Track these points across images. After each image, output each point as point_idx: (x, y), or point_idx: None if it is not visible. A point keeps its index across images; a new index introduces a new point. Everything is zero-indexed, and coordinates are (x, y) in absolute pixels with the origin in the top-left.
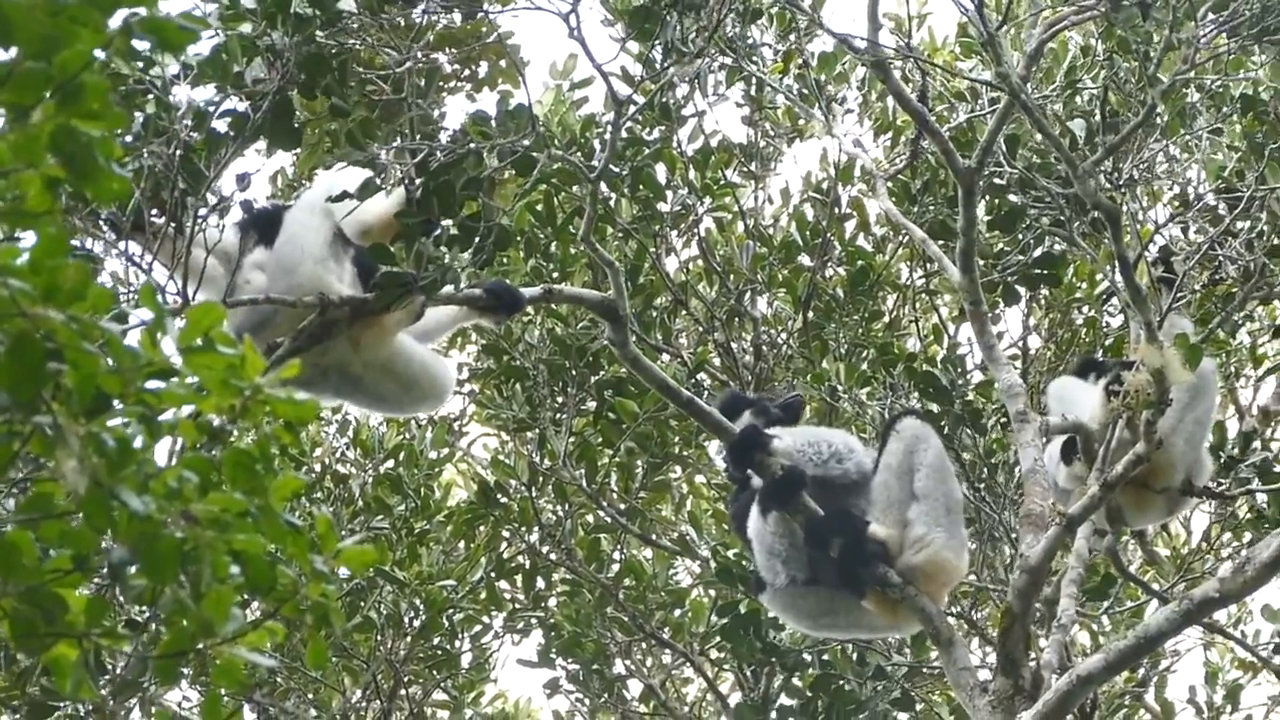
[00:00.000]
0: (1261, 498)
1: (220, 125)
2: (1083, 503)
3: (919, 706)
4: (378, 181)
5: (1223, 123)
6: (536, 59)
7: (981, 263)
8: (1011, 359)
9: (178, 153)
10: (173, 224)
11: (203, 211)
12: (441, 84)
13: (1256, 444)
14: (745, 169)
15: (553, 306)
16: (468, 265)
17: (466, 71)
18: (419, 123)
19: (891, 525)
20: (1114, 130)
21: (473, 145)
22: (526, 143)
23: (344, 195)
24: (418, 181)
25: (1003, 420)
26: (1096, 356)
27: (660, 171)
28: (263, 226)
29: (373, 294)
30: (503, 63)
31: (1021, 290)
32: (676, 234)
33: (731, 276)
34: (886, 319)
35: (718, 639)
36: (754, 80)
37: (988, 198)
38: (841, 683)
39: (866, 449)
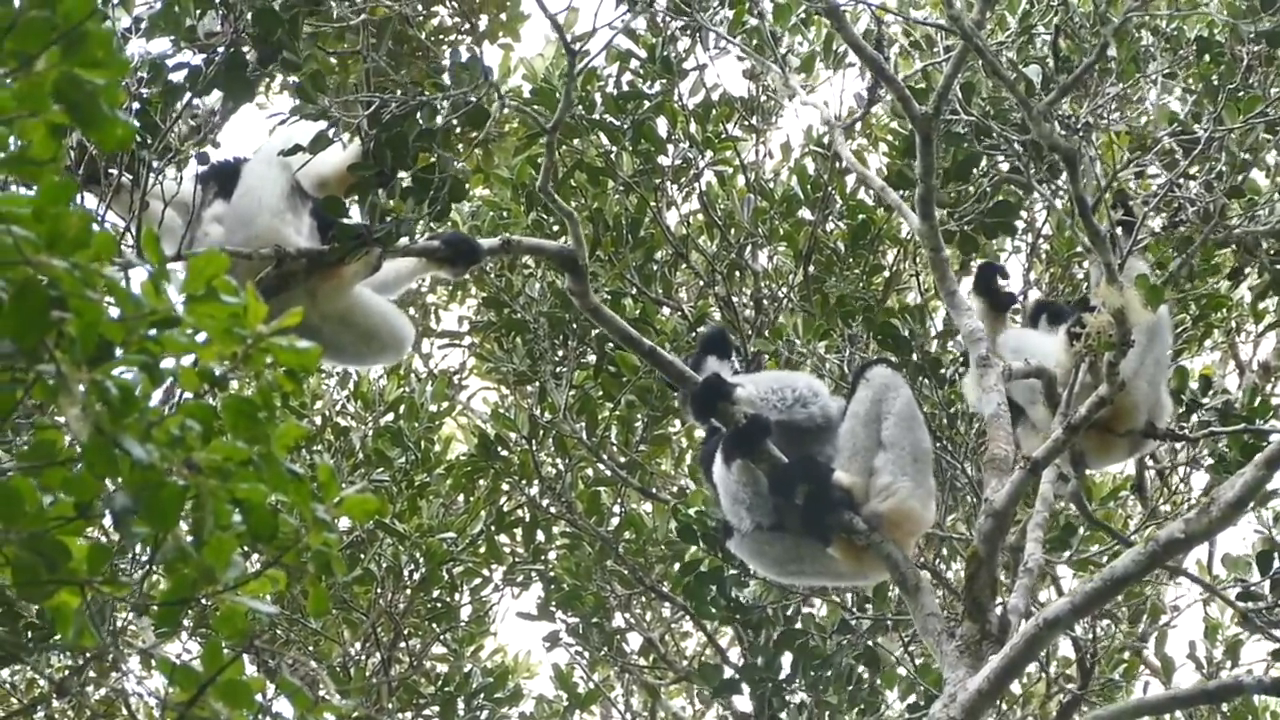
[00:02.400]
0: (1223, 441)
1: (175, 78)
2: (1046, 446)
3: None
4: (330, 135)
5: (1179, 66)
6: (537, 13)
7: (940, 212)
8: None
9: (134, 105)
10: (128, 176)
11: (157, 164)
12: (442, 37)
13: (1219, 388)
14: (746, 122)
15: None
16: (421, 217)
17: (467, 25)
18: (372, 75)
19: (857, 473)
20: (1067, 72)
21: (423, 97)
22: (480, 94)
23: (296, 149)
24: (371, 134)
25: (961, 370)
26: (1050, 299)
27: (661, 125)
28: (221, 179)
29: (329, 246)
30: (503, 16)
31: (980, 239)
32: (677, 187)
33: (732, 230)
34: (887, 273)
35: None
36: (755, 35)
37: (944, 147)
38: (807, 638)
39: (833, 395)
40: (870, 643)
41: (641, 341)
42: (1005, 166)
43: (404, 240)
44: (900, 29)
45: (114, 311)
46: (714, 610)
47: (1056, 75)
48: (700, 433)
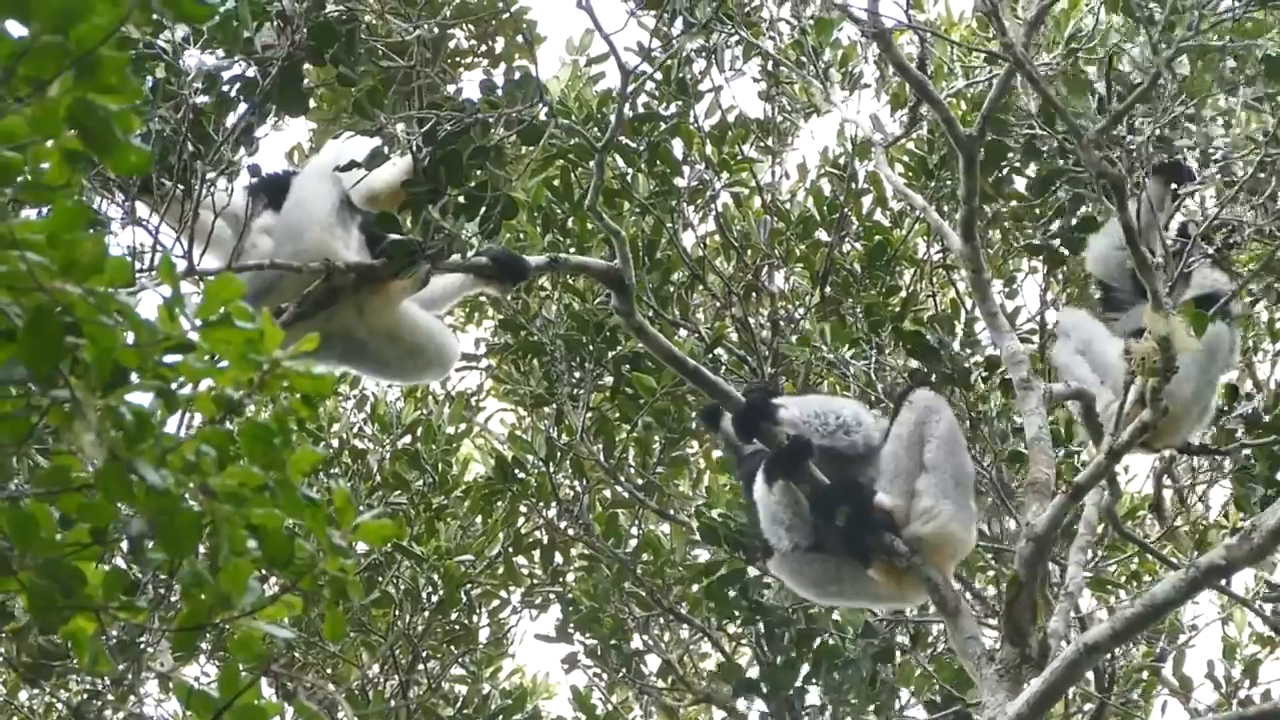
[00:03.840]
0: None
1: (230, 90)
2: (1089, 470)
3: (899, 659)
4: (385, 151)
5: (1250, 85)
6: (553, 35)
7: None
8: (1030, 333)
9: (188, 117)
10: (180, 187)
11: (210, 175)
12: (459, 60)
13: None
14: (762, 144)
15: (570, 281)
16: (474, 234)
17: (483, 47)
18: (426, 92)
19: (899, 496)
20: (1122, 96)
21: (479, 115)
22: (534, 112)
23: (351, 164)
24: (424, 151)
25: (984, 375)
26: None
27: (677, 146)
28: (271, 191)
29: (379, 261)
30: (520, 38)
31: (1066, 252)
32: (693, 209)
33: (749, 251)
34: (904, 293)
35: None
36: (771, 55)
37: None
38: (826, 637)
39: (876, 420)
40: (888, 639)
41: (685, 361)
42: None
43: (455, 257)
44: (955, 55)
45: (129, 337)
46: (736, 612)
47: (1109, 103)
48: (718, 453)
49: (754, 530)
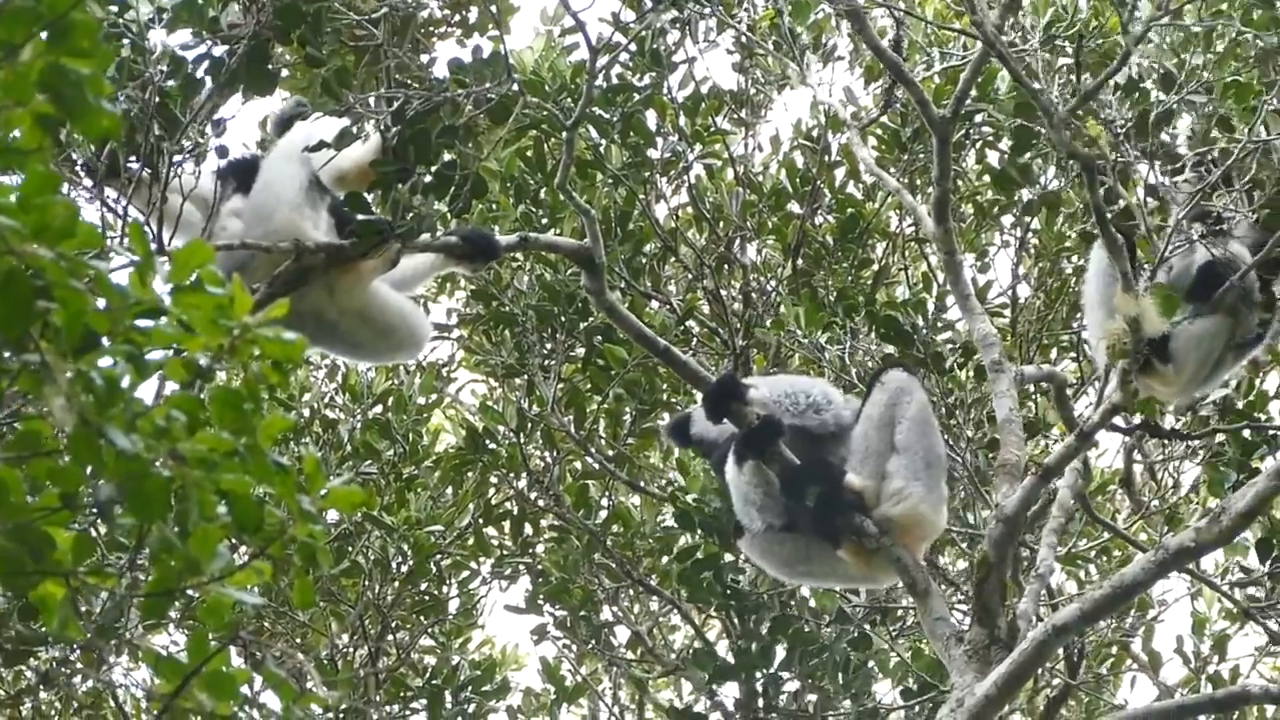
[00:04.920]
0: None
1: (196, 71)
2: (1059, 452)
3: (874, 647)
4: (354, 131)
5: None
6: (527, 4)
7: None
8: (1001, 307)
9: (154, 98)
10: (148, 169)
11: (178, 157)
12: (432, 29)
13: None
14: (736, 116)
15: (542, 253)
16: (443, 213)
17: (457, 17)
18: (395, 70)
19: (869, 477)
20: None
21: (447, 94)
22: (502, 90)
23: (320, 145)
24: (393, 130)
25: (959, 361)
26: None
27: (650, 118)
28: (241, 173)
29: (348, 241)
30: (494, 8)
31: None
32: (666, 180)
33: (721, 224)
34: (875, 267)
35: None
36: (744, 27)
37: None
38: (801, 624)
39: (847, 400)
40: (864, 628)
41: (656, 341)
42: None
43: (424, 236)
44: (929, 33)
45: (100, 302)
46: (710, 597)
47: (1078, 83)
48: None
49: (727, 511)
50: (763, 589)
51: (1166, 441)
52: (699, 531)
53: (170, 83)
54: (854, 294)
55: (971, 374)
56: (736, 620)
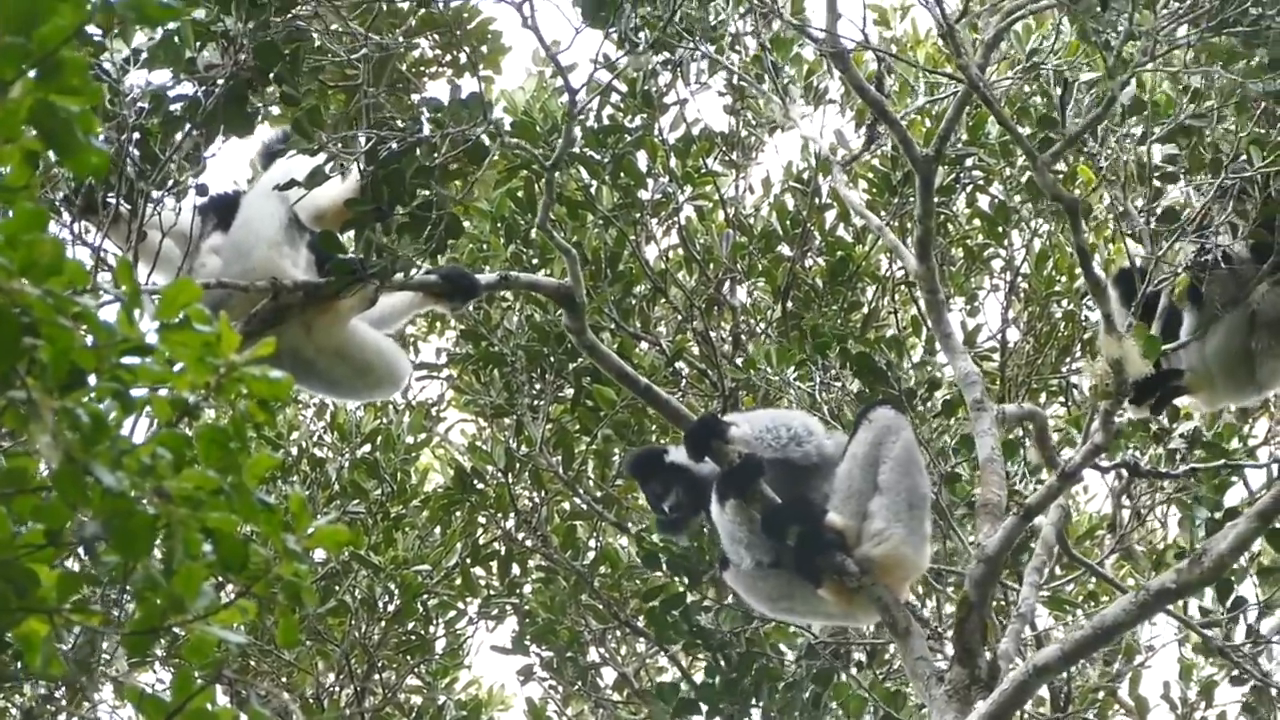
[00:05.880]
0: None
1: (174, 110)
2: (1041, 492)
3: (840, 678)
4: (327, 170)
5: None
6: (519, 45)
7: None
8: (990, 351)
9: (133, 136)
10: (126, 206)
11: (157, 194)
12: (423, 69)
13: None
14: (726, 158)
15: (531, 293)
16: (417, 253)
17: (448, 57)
18: (372, 110)
19: (851, 516)
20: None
21: (422, 135)
22: (478, 132)
23: (291, 183)
24: (367, 170)
25: (924, 396)
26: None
27: (641, 159)
28: (220, 211)
29: (326, 279)
30: (484, 49)
31: None
32: (656, 222)
33: (711, 265)
34: (865, 310)
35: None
36: (735, 70)
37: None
38: (765, 660)
39: (829, 431)
40: (831, 662)
41: (637, 380)
42: None
43: (401, 275)
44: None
45: (87, 339)
46: (675, 635)
47: (1062, 127)
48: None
49: (714, 545)
50: (726, 628)
51: (1152, 482)
52: (665, 571)
53: (151, 120)
54: (828, 332)
55: (938, 408)
56: (703, 658)
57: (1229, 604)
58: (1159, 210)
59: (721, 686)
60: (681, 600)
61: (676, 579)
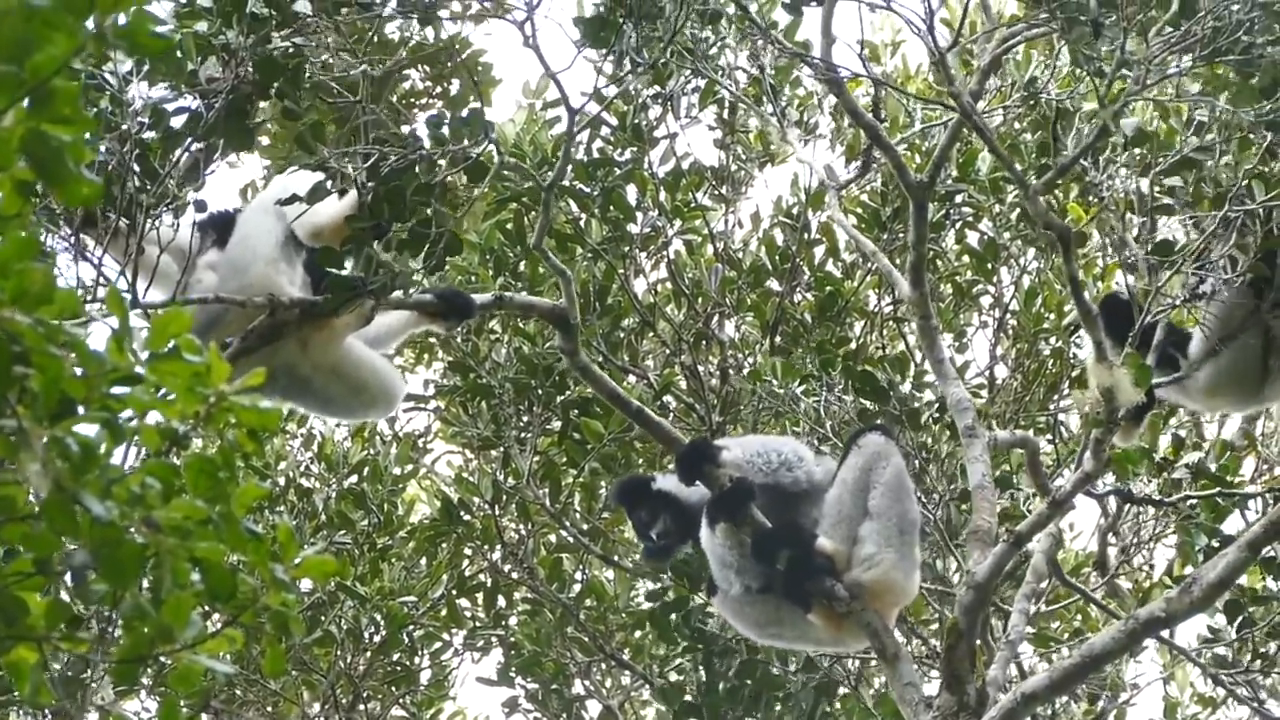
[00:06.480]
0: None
1: (175, 123)
2: (1031, 519)
3: (842, 691)
4: (328, 186)
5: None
6: (509, 79)
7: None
8: (978, 388)
9: (134, 150)
10: (125, 220)
11: (156, 210)
12: (413, 100)
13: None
14: (716, 192)
15: (519, 325)
16: (417, 271)
17: (438, 89)
18: (372, 127)
19: (841, 541)
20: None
21: (423, 152)
22: (479, 150)
23: (293, 199)
24: (368, 187)
25: (934, 416)
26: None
27: (631, 192)
28: (218, 227)
29: (323, 296)
30: (475, 80)
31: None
32: (645, 255)
33: (700, 299)
34: (854, 344)
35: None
36: (726, 103)
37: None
38: (769, 667)
39: (819, 457)
40: (830, 674)
41: (629, 402)
42: None
43: (398, 293)
44: (913, 106)
45: (77, 369)
46: (677, 638)
47: (1055, 156)
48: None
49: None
50: (729, 634)
51: (1139, 513)
52: (668, 575)
53: (150, 134)
54: (831, 349)
55: (945, 431)
56: (705, 665)
57: (1237, 625)
58: (1156, 240)
59: (724, 694)
60: (684, 604)
61: (680, 582)
